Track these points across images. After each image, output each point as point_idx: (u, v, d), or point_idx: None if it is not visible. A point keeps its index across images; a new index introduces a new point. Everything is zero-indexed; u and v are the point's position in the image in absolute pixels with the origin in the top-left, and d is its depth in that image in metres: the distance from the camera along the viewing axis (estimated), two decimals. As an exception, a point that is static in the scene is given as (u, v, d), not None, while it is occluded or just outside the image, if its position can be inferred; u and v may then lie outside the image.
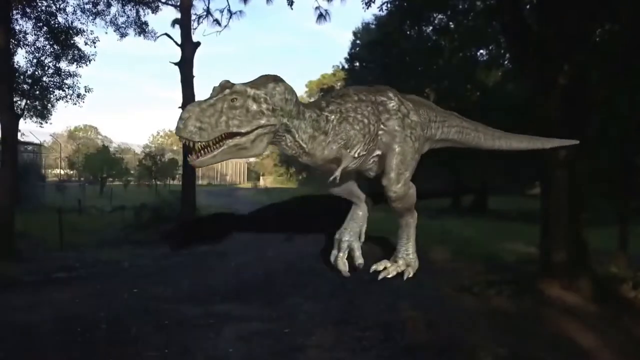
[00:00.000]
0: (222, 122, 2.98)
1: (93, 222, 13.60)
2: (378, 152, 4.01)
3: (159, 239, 10.67)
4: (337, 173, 3.71)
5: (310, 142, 3.51)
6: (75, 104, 17.45)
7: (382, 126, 3.93)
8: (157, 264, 8.19)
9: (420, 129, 4.16)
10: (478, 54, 20.20)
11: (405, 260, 4.52)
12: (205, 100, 3.02)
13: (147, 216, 12.96)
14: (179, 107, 14.56)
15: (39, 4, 14.65)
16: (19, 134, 15.44)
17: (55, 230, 10.03)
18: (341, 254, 4.77)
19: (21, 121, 16.08)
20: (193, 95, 14.62)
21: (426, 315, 5.14)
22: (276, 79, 3.32)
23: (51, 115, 18.20)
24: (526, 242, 9.60)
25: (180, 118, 2.90)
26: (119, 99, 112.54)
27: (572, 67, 5.98)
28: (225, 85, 3.09)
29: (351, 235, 4.80)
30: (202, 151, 3.03)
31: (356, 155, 3.81)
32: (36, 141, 23.20)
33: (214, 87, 3.09)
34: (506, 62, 19.33)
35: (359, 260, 4.73)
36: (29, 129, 20.04)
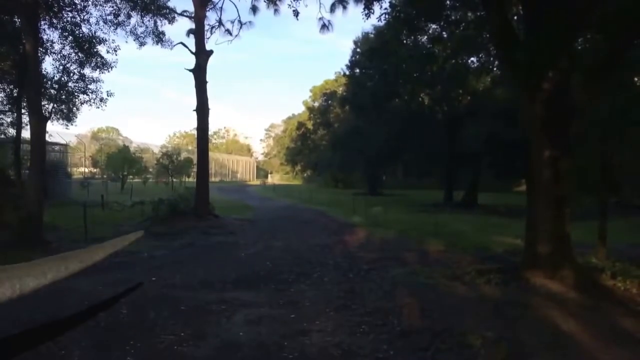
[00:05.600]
0: None
1: (115, 216, 13.62)
2: None
3: (175, 232, 10.71)
4: None
5: None
6: (98, 107, 17.43)
7: None
8: (173, 255, 8.21)
9: None
10: (469, 61, 20.19)
11: None
12: None
13: (164, 210, 13.02)
14: (194, 110, 14.61)
15: (65, 16, 14.65)
16: (46, 135, 15.45)
17: (80, 223, 10.06)
18: None
19: (49, 123, 15.98)
20: (206, 99, 14.65)
21: (421, 302, 5.15)
22: None
23: (76, 117, 18.14)
24: (513, 235, 9.60)
25: None
26: (139, 102, 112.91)
27: (555, 73, 5.96)
28: None
29: None
30: None
31: None
32: (62, 142, 23.20)
33: None
34: (495, 69, 19.32)
35: None
36: (56, 131, 20.03)
